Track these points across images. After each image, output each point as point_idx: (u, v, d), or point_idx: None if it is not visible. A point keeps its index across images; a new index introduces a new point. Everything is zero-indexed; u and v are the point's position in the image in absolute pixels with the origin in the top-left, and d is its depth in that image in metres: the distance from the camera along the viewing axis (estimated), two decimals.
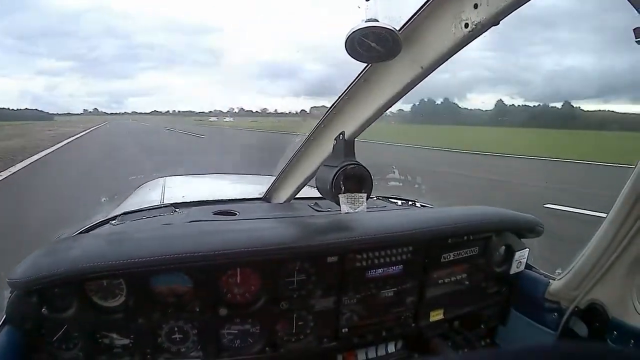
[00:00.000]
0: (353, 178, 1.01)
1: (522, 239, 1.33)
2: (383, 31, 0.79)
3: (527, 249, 1.31)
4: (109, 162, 10.28)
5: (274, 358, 1.05)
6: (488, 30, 0.75)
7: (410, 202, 1.62)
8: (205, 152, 12.84)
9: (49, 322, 0.88)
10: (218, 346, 1.01)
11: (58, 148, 14.75)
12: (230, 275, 0.99)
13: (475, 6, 0.72)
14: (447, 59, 0.82)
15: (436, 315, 1.23)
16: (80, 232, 1.21)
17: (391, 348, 1.23)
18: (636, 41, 0.75)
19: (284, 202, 1.47)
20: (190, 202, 1.45)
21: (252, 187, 1.67)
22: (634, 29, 0.75)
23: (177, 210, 1.36)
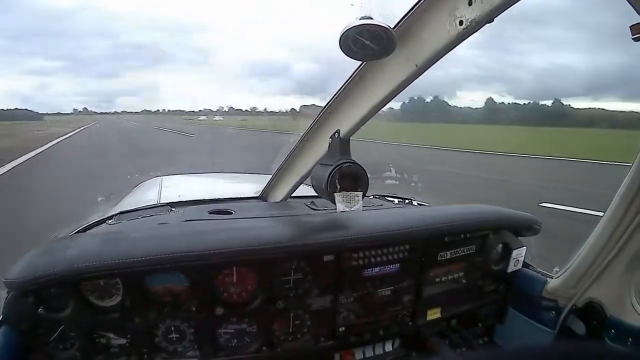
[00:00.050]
0: (348, 176, 1.01)
1: (519, 237, 1.33)
2: (377, 29, 0.79)
3: (525, 247, 1.30)
4: (95, 163, 10.11)
5: (271, 357, 1.05)
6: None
7: (407, 201, 1.62)
8: (194, 152, 12.60)
9: (45, 322, 0.88)
10: (215, 345, 1.01)
11: (46, 149, 14.68)
12: (226, 275, 0.99)
13: (470, 3, 0.72)
14: (441, 57, 0.82)
15: (433, 314, 1.23)
16: (77, 232, 1.20)
17: (388, 347, 1.23)
18: (633, 38, 0.74)
19: (280, 200, 1.47)
20: (187, 201, 1.45)
21: (248, 186, 1.67)
22: (630, 26, 0.74)
23: (173, 209, 1.36)
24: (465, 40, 0.78)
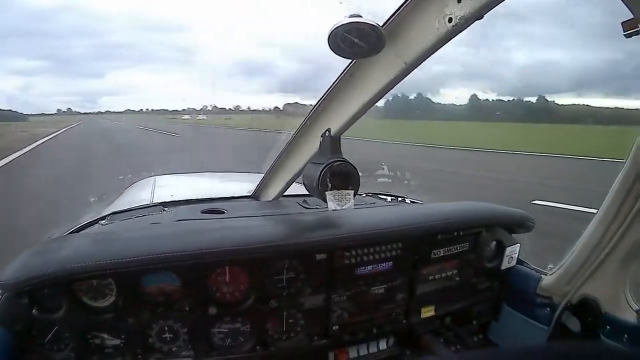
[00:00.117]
0: (339, 175, 1.00)
1: (513, 235, 1.33)
2: (366, 27, 0.78)
3: (518, 244, 1.31)
4: (79, 164, 10.14)
5: (265, 356, 1.05)
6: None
7: (399, 199, 1.62)
8: (179, 151, 12.39)
9: (39, 323, 0.88)
10: (209, 345, 1.01)
11: (31, 149, 14.70)
12: (219, 274, 0.99)
13: (459, 0, 0.71)
14: (431, 54, 0.82)
15: (427, 312, 1.23)
16: (70, 232, 1.20)
17: (382, 345, 1.23)
18: (624, 34, 0.74)
19: (273, 199, 1.47)
20: (179, 201, 1.45)
21: (241, 185, 1.67)
22: (622, 23, 0.74)
23: (165, 209, 1.36)
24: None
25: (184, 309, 0.97)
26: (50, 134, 23.89)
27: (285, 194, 1.44)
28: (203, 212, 1.31)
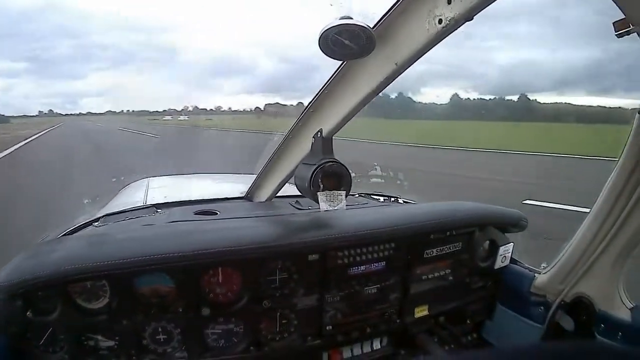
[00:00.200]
0: (331, 175, 1.01)
1: (506, 234, 1.34)
2: (357, 29, 0.79)
3: (512, 243, 1.31)
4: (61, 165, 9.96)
5: (259, 357, 1.06)
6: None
7: (392, 199, 1.63)
8: (159, 154, 11.98)
9: (34, 325, 0.89)
10: (202, 346, 1.01)
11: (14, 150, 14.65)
12: (212, 275, 1.00)
13: (449, 2, 0.72)
14: (421, 55, 0.82)
15: (421, 311, 1.23)
16: (64, 235, 1.20)
17: (376, 345, 1.23)
18: (616, 34, 0.75)
19: (265, 200, 1.47)
20: (172, 202, 1.45)
21: (234, 186, 1.67)
22: (613, 23, 0.75)
23: (158, 210, 1.36)
24: None
25: (178, 310, 0.97)
26: (34, 135, 23.66)
27: (278, 194, 1.45)
28: (196, 213, 1.31)
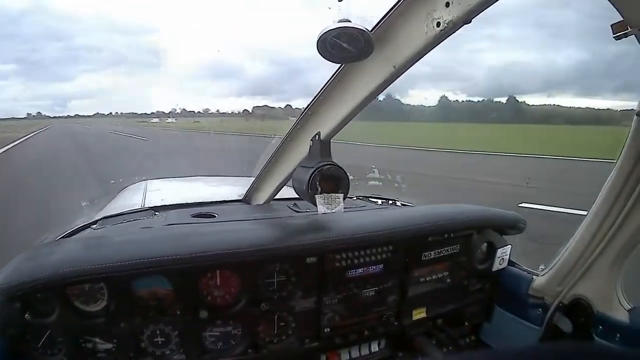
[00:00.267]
0: (329, 178, 1.01)
1: (504, 236, 1.34)
2: (355, 32, 0.78)
3: (510, 246, 1.31)
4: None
5: (257, 359, 1.05)
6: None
7: (390, 201, 1.63)
8: (148, 158, 12.04)
9: (32, 327, 0.88)
10: (200, 349, 1.01)
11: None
12: (210, 278, 0.99)
13: (447, 4, 0.72)
14: (419, 58, 0.82)
15: (419, 314, 1.23)
16: (62, 237, 1.20)
17: (374, 347, 1.23)
18: (614, 37, 0.75)
19: (263, 203, 1.47)
20: (170, 205, 1.44)
21: (232, 189, 1.66)
22: (611, 25, 0.75)
23: (156, 213, 1.36)
24: None
25: (176, 312, 0.97)
26: (20, 138, 23.59)
27: (276, 197, 1.44)
28: (194, 216, 1.31)
